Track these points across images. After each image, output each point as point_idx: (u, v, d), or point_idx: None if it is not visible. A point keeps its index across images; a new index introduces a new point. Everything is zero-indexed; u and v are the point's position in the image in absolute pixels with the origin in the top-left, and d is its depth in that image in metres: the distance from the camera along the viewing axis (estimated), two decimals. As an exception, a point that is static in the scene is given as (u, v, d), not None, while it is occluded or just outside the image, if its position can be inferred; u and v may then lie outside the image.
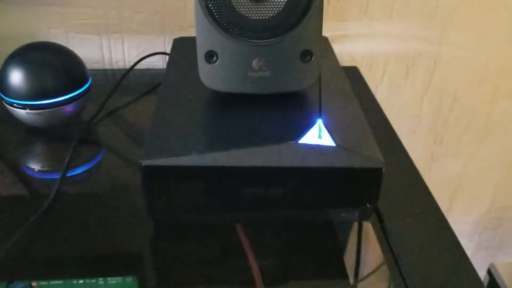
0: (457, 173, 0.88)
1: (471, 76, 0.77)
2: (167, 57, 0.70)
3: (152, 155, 0.38)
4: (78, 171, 0.50)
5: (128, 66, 0.70)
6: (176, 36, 0.69)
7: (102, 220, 0.44)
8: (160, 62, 0.71)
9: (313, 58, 0.44)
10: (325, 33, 0.46)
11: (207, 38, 0.43)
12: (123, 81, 0.62)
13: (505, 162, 0.87)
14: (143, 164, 0.37)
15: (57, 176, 0.47)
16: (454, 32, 0.73)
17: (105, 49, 0.69)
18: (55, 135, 0.54)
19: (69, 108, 0.52)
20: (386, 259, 0.40)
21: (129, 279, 0.38)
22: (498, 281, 0.87)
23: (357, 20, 0.70)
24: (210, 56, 0.44)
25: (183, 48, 0.57)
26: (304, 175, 0.39)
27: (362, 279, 0.40)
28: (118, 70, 0.69)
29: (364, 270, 0.41)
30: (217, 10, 0.43)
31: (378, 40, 0.72)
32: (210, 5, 0.42)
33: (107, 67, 0.70)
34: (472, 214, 0.94)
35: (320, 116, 0.43)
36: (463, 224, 0.94)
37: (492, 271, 0.89)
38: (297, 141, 0.39)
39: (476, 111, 0.80)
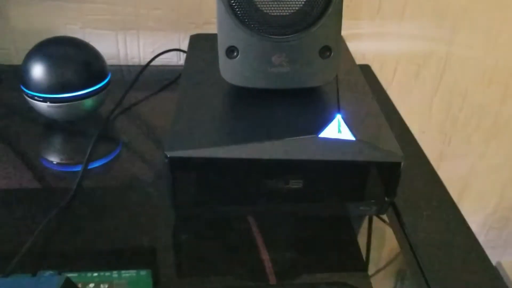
0: (465, 173, 0.89)
1: (481, 76, 0.78)
2: (182, 53, 0.71)
3: (177, 147, 0.38)
4: (96, 164, 0.50)
5: (143, 62, 0.71)
6: (191, 33, 0.70)
7: (118, 214, 0.44)
8: (174, 59, 0.72)
9: (332, 54, 0.45)
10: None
11: (228, 33, 0.44)
12: (139, 77, 0.63)
13: (513, 162, 0.88)
14: (168, 156, 0.38)
15: (75, 169, 0.48)
16: (465, 32, 0.73)
17: (121, 45, 0.70)
18: (74, 129, 0.55)
19: (89, 102, 0.52)
20: (403, 252, 0.41)
21: (143, 272, 0.38)
22: (505, 279, 0.87)
23: (369, 19, 0.71)
24: (231, 51, 0.45)
25: (200, 45, 0.58)
26: (324, 169, 0.40)
27: (380, 271, 0.41)
28: (133, 66, 0.70)
29: (380, 263, 0.42)
30: (238, 6, 0.43)
31: (389, 39, 0.73)
32: (232, 1, 0.43)
33: (123, 63, 0.71)
34: (479, 213, 0.95)
35: (339, 111, 0.43)
36: (470, 223, 0.94)
37: (499, 269, 0.90)
38: (318, 135, 0.40)
39: (485, 111, 0.81)
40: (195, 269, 0.40)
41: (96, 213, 0.44)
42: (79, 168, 0.48)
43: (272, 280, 0.39)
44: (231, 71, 0.45)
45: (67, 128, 0.55)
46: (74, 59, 0.51)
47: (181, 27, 0.69)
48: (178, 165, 0.38)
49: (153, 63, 0.66)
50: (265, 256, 0.41)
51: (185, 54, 0.65)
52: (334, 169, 0.40)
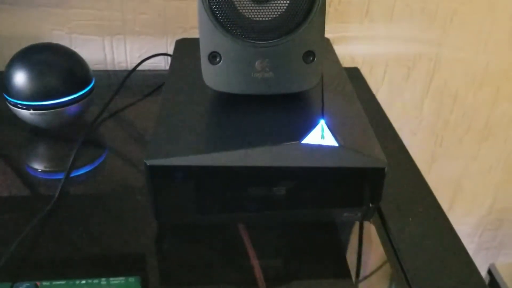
0: (457, 174, 0.89)
1: (472, 78, 0.77)
2: (169, 58, 0.70)
3: (157, 155, 0.38)
4: (81, 171, 0.50)
5: (130, 67, 0.70)
6: (178, 38, 0.69)
7: (105, 221, 0.44)
8: (162, 63, 0.71)
9: (315, 59, 0.44)
10: (326, 34, 0.46)
11: (211, 39, 0.44)
12: (125, 82, 0.62)
13: (506, 163, 0.87)
14: (148, 164, 0.37)
15: (60, 176, 0.48)
16: (454, 34, 0.73)
17: (108, 50, 0.69)
18: (59, 136, 0.55)
19: (73, 108, 0.52)
20: (388, 258, 0.41)
21: (131, 279, 0.38)
22: (498, 281, 0.87)
23: (357, 22, 0.71)
24: (213, 57, 0.44)
25: (185, 49, 0.57)
26: (307, 175, 0.39)
27: (365, 279, 0.40)
28: (121, 71, 0.70)
29: (367, 269, 0.42)
30: (220, 12, 0.43)
31: (378, 42, 0.73)
32: (213, 7, 0.43)
33: (109, 68, 0.71)
34: (473, 215, 0.95)
35: (322, 116, 0.43)
36: (464, 225, 0.94)
37: (493, 271, 0.90)
38: (300, 141, 0.39)
39: (477, 113, 0.81)
40: (184, 276, 0.40)
41: (82, 220, 0.44)
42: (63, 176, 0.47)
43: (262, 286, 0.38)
44: (214, 76, 0.45)
45: (52, 135, 0.55)
46: (57, 65, 0.51)
47: (168, 31, 0.69)
48: (158, 173, 0.38)
49: (140, 67, 0.65)
50: (254, 263, 0.40)
51: (172, 59, 0.65)
52: (317, 175, 0.40)
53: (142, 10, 0.67)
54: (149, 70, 0.69)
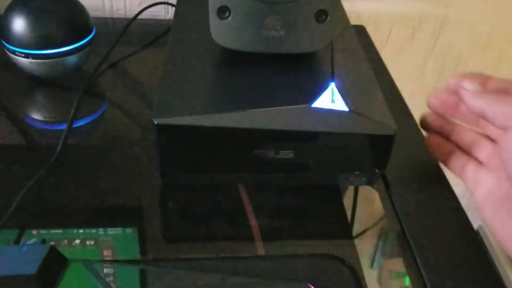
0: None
1: (476, 41, 0.76)
2: (170, 7, 0.68)
3: (164, 114, 0.37)
4: (82, 122, 0.49)
5: (129, 14, 0.68)
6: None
7: (104, 173, 0.44)
8: (162, 12, 0.69)
9: (328, 18, 0.43)
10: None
11: (220, -8, 0.42)
12: (125, 31, 0.60)
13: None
14: (156, 122, 0.37)
15: (60, 127, 0.47)
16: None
17: (106, -4, 0.67)
18: (58, 86, 0.53)
19: (72, 58, 0.50)
20: (390, 220, 0.41)
21: (129, 230, 0.38)
22: (485, 241, 0.89)
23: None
24: (222, 11, 0.43)
25: (189, 1, 0.55)
26: (315, 139, 0.39)
27: (364, 238, 0.41)
28: (119, 19, 0.67)
29: (366, 224, 0.43)
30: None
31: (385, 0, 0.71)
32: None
33: (107, 15, 0.68)
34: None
35: (333, 79, 0.42)
36: (454, 186, 0.95)
37: (480, 232, 0.92)
38: (310, 105, 0.39)
39: (478, 76, 0.80)
40: (181, 230, 0.40)
41: (82, 172, 0.43)
42: (63, 127, 0.46)
43: (259, 247, 0.39)
44: (222, 32, 0.43)
45: (51, 85, 0.53)
46: (57, 13, 0.49)
47: (170, -22, 0.66)
48: (166, 132, 0.37)
49: (140, 16, 0.63)
50: (253, 223, 0.40)
51: (173, 8, 0.63)
52: (326, 140, 0.39)
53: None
54: (149, 19, 0.67)
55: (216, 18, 0.43)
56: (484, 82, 0.39)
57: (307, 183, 0.43)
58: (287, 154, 0.39)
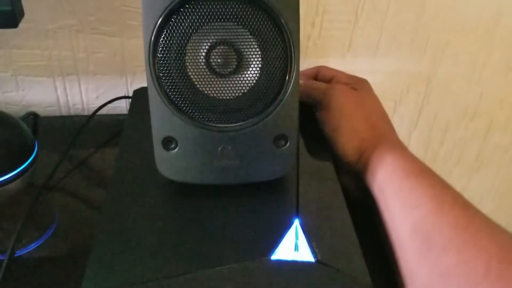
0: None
1: (464, 109, 0.71)
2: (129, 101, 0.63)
3: (96, 283, 0.31)
4: (29, 249, 0.44)
5: (87, 108, 0.63)
6: (139, 76, 0.62)
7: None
8: (123, 104, 0.64)
9: (288, 143, 0.38)
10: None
11: (164, 122, 0.37)
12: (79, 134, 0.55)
13: (497, 194, 0.82)
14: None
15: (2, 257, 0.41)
16: (447, 65, 0.66)
17: (60, 92, 0.61)
18: (3, 213, 0.48)
19: (13, 185, 0.45)
20: None
21: None
22: None
23: (339, 56, 0.64)
24: (168, 142, 0.38)
25: (144, 103, 0.50)
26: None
27: None
28: (77, 116, 0.62)
29: None
30: (174, 89, 0.36)
31: (363, 76, 0.66)
32: (165, 84, 0.36)
33: (63, 110, 0.63)
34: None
35: (297, 215, 0.37)
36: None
37: None
38: (270, 257, 0.33)
39: (468, 145, 0.75)
40: None
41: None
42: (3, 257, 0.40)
43: None
44: (169, 165, 0.38)
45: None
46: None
47: (127, 70, 0.61)
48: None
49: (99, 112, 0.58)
50: None
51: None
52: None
53: (94, 49, 0.59)
54: (108, 115, 0.61)
55: (162, 149, 0.38)
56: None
57: None
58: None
